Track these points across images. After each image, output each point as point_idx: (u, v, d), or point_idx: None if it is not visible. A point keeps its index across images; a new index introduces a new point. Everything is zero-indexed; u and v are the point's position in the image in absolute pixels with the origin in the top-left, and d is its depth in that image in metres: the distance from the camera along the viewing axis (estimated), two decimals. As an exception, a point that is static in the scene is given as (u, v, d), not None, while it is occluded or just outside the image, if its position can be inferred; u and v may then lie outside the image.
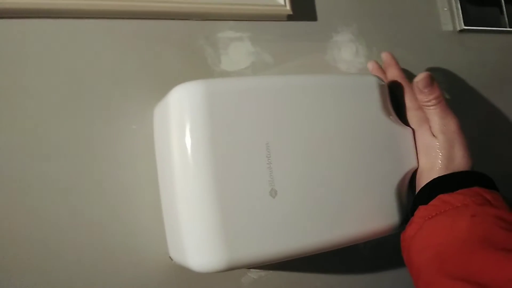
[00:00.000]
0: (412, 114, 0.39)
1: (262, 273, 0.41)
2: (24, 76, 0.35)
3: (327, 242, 0.33)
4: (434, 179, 0.35)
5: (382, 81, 0.39)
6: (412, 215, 0.35)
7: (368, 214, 0.35)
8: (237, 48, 0.44)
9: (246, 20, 0.44)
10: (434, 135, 0.37)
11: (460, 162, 0.36)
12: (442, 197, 0.33)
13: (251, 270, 0.41)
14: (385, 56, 0.44)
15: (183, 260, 0.33)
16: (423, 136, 0.38)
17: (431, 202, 0.34)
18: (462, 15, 0.54)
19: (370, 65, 0.46)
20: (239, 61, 0.43)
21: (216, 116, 0.32)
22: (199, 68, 0.42)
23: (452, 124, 0.36)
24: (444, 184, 0.35)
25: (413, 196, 0.38)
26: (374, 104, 0.37)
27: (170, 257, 0.38)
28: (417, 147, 0.38)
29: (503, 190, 0.37)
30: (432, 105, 0.37)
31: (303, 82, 0.35)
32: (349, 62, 0.48)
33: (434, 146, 0.36)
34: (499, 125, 0.56)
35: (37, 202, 0.34)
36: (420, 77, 0.37)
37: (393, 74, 0.42)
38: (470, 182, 0.34)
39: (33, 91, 0.36)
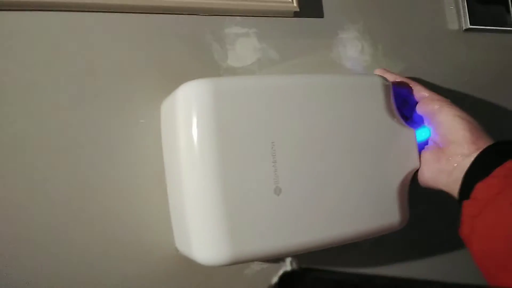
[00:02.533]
0: (429, 100, 0.39)
1: (265, 265, 0.42)
2: (33, 70, 0.36)
3: (328, 239, 0.34)
4: (471, 165, 0.34)
5: (387, 81, 0.39)
6: (460, 203, 0.35)
7: (369, 212, 0.35)
8: (244, 44, 0.44)
9: (253, 16, 0.44)
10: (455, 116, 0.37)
11: (485, 133, 0.36)
12: (479, 186, 0.32)
13: (254, 262, 0.42)
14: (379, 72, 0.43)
15: (188, 253, 0.34)
16: (448, 114, 0.37)
17: (472, 195, 0.33)
18: (468, 14, 0.54)
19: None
20: (246, 57, 0.44)
21: (223, 114, 0.32)
22: (206, 63, 0.42)
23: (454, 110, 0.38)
24: (477, 168, 0.34)
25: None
26: (378, 104, 0.38)
27: (176, 248, 0.39)
28: (440, 129, 0.38)
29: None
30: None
31: (308, 81, 0.36)
32: (354, 60, 0.48)
33: (457, 123, 0.37)
34: (503, 125, 0.56)
35: (49, 194, 0.35)
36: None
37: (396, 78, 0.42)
38: (500, 157, 0.33)
39: (43, 86, 0.36)
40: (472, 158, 0.35)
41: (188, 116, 0.32)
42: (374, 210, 0.36)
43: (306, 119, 0.35)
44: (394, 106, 0.39)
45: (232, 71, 0.43)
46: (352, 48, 0.48)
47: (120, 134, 0.38)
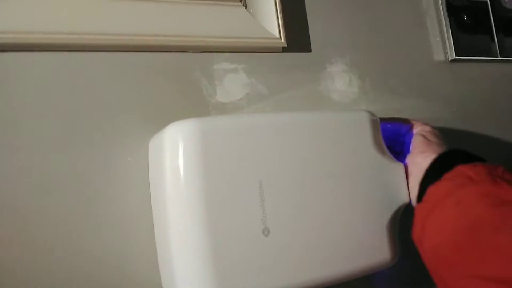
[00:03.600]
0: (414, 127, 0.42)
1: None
2: (22, 109, 0.36)
3: (319, 280, 0.33)
4: (425, 172, 0.36)
5: (374, 116, 0.39)
6: None
7: (359, 251, 0.35)
8: (232, 79, 0.44)
9: (242, 52, 0.45)
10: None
11: (436, 144, 0.38)
12: (430, 189, 0.34)
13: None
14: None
15: (175, 295, 0.33)
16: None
17: (424, 198, 0.34)
18: (454, 45, 0.55)
19: None
20: (234, 92, 0.44)
21: (210, 154, 0.32)
22: (195, 99, 0.42)
23: (425, 127, 0.41)
24: (430, 173, 0.35)
25: None
26: (366, 139, 0.38)
27: (163, 289, 0.38)
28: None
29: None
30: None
31: (294, 120, 0.36)
32: (342, 92, 0.49)
33: (415, 138, 0.40)
34: (490, 154, 0.57)
35: (34, 233, 0.35)
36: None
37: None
38: (451, 162, 0.34)
39: (31, 124, 0.36)
40: (423, 167, 0.36)
41: (175, 155, 0.32)
42: (364, 248, 0.35)
43: (293, 157, 0.35)
44: (382, 141, 0.39)
45: (221, 107, 0.43)
46: (340, 81, 0.49)
47: (107, 172, 0.38)
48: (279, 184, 0.34)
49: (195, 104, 0.42)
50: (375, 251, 0.36)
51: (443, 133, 0.40)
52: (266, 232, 0.32)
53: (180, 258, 0.32)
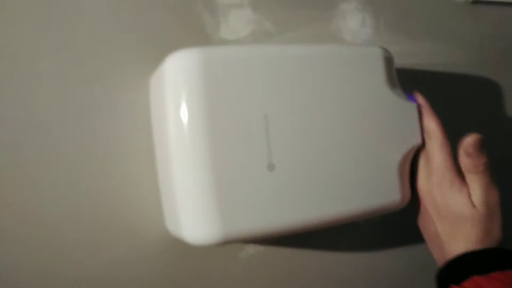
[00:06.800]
0: (447, 176, 0.34)
1: (260, 248, 0.41)
2: (16, 42, 0.34)
3: (325, 218, 0.32)
4: (467, 253, 0.33)
5: (388, 52, 0.37)
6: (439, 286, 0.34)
7: (368, 190, 0.34)
8: (237, 15, 0.42)
9: (248, -15, 0.42)
10: (473, 205, 0.34)
11: (496, 236, 0.34)
12: (476, 279, 0.31)
13: (248, 245, 0.40)
14: (419, 99, 0.38)
15: (178, 232, 0.33)
16: (459, 203, 0.34)
17: (465, 284, 0.32)
18: (476, -15, 0.51)
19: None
20: (239, 29, 0.42)
21: (213, 85, 0.30)
22: (197, 35, 0.40)
23: (494, 197, 0.34)
24: (477, 262, 0.33)
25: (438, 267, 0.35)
26: (378, 76, 0.35)
27: (166, 229, 0.37)
28: (445, 212, 0.35)
29: None
30: (478, 172, 0.34)
31: (304, 52, 0.34)
32: (355, 32, 0.46)
33: (472, 217, 0.33)
34: (507, 102, 0.54)
35: (33, 172, 0.34)
36: (471, 140, 0.33)
37: (429, 126, 0.36)
38: (504, 263, 0.32)
39: (26, 58, 0.34)
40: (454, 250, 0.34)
41: (176, 87, 0.31)
42: (373, 187, 0.34)
43: (301, 91, 0.33)
44: (396, 79, 0.37)
45: (225, 44, 0.41)
46: (352, 20, 0.46)
47: (107, 109, 0.37)
48: (285, 119, 0.32)
49: (197, 40, 0.40)
50: (385, 191, 0.34)
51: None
52: (271, 167, 0.31)
53: (183, 194, 0.31)
